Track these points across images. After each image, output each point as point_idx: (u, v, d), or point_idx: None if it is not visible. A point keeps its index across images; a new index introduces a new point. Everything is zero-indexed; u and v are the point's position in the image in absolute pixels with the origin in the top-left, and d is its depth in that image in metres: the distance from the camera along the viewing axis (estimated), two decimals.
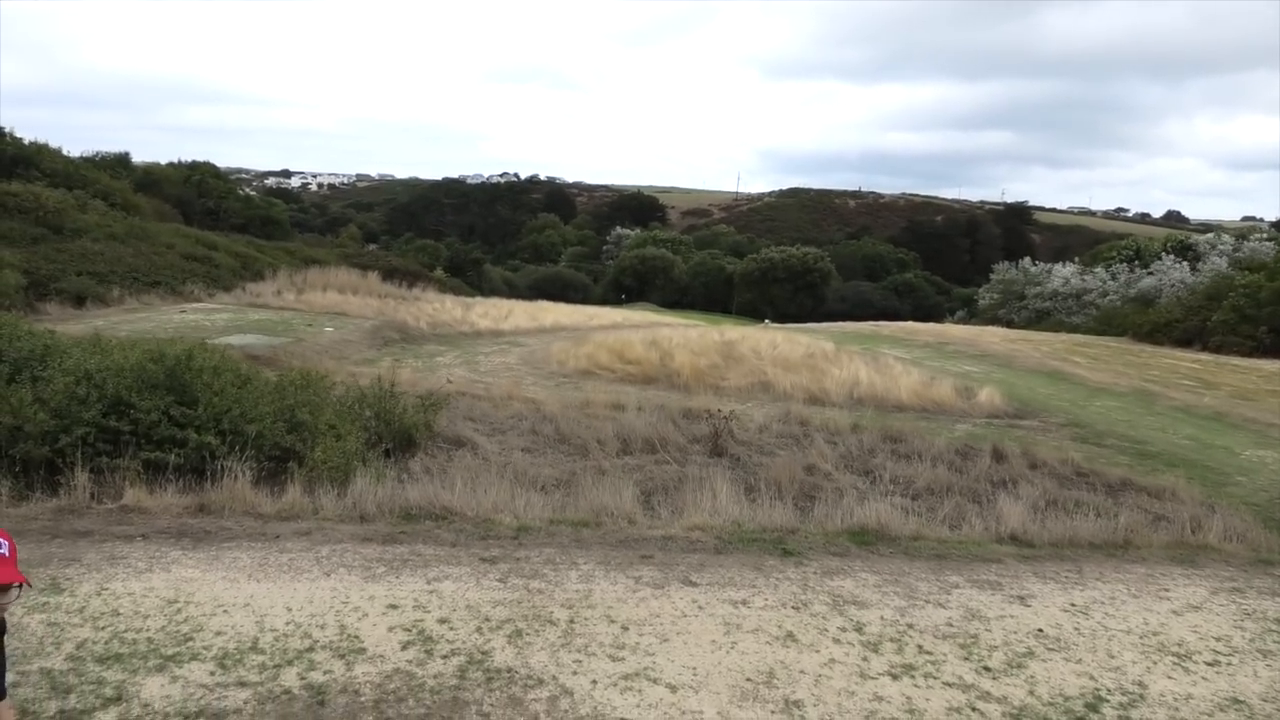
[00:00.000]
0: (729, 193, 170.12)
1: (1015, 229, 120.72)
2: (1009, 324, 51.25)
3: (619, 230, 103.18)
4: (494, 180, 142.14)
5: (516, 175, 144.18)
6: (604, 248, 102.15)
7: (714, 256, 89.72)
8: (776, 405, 16.95)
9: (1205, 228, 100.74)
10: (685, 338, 27.37)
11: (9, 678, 4.50)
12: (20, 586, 2.66)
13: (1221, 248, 48.98)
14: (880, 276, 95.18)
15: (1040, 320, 52.52)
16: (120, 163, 54.67)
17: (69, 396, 8.55)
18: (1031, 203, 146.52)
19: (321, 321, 25.94)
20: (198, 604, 5.63)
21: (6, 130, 39.46)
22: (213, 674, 4.80)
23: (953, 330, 39.25)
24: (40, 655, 4.86)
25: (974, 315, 64.77)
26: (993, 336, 33.38)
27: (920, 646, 5.79)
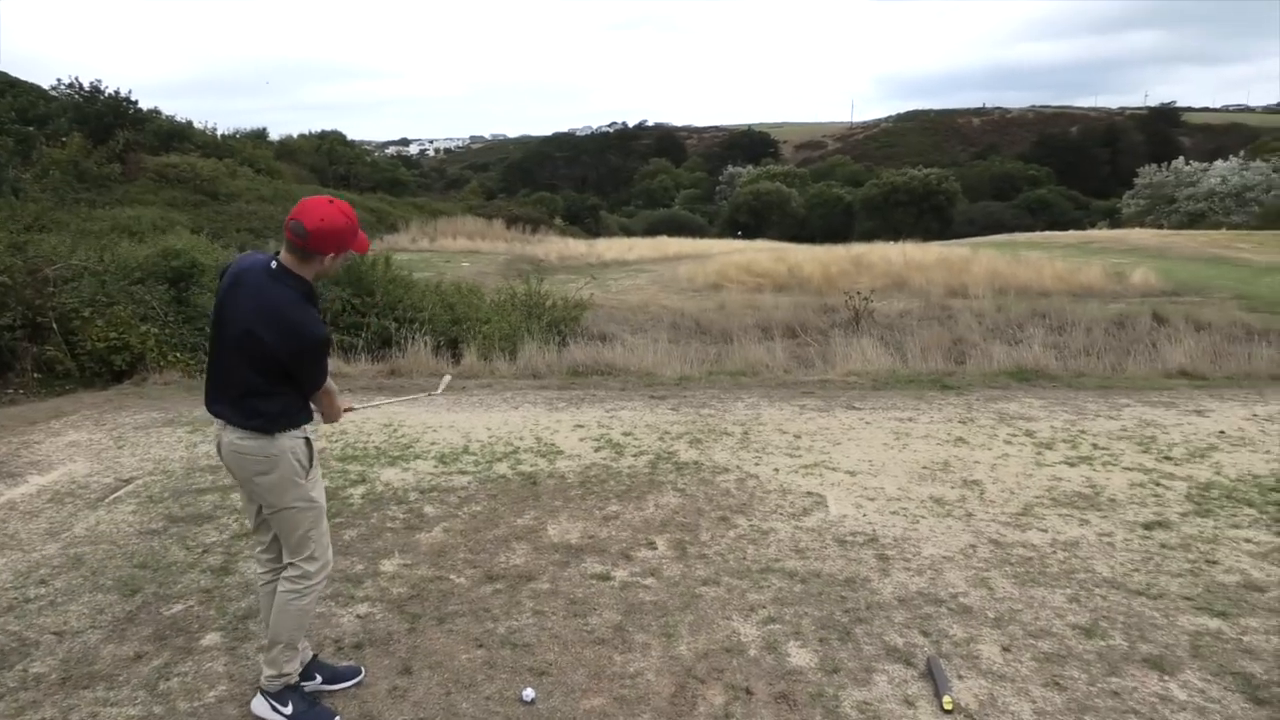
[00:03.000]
0: (843, 122, 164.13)
1: (1161, 134, 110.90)
2: (1158, 229, 47.81)
3: (731, 169, 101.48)
4: (603, 130, 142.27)
5: (625, 124, 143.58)
6: (717, 188, 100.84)
7: (830, 186, 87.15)
8: (914, 299, 16.73)
9: None
10: (812, 253, 27.09)
11: None
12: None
13: None
14: (1010, 195, 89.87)
15: (1194, 223, 48.64)
16: (259, 136, 58.07)
17: None
18: (1180, 104, 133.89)
19: (458, 259, 27.17)
20: (409, 427, 6.30)
21: (160, 112, 42.74)
22: (435, 468, 5.42)
23: (1096, 233, 37.08)
24: None
25: (1117, 226, 60.61)
26: (1142, 234, 31.41)
27: (1095, 444, 5.83)
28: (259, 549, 2.97)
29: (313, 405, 2.86)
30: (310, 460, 2.82)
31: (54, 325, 8.10)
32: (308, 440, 2.83)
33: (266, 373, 2.64)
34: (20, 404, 7.30)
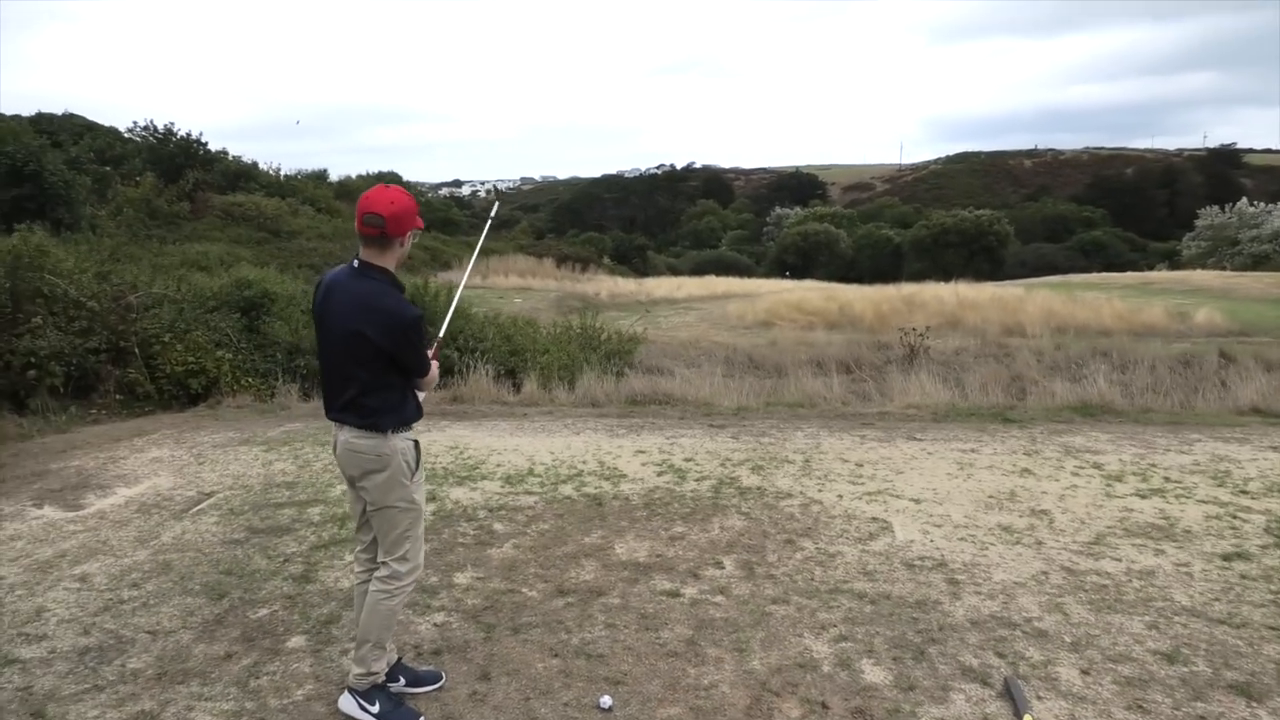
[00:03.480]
0: (891, 164, 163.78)
1: (1222, 175, 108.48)
2: (1221, 271, 46.62)
3: (778, 210, 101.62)
4: (651, 172, 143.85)
5: (673, 165, 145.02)
6: (764, 229, 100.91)
7: (879, 228, 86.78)
8: (970, 337, 16.55)
9: None
10: (862, 293, 27.00)
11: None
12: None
13: None
14: (1064, 237, 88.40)
15: (1258, 265, 47.36)
16: (319, 177, 60.05)
17: None
18: (1240, 145, 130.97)
19: (510, 295, 27.65)
20: (474, 449, 6.43)
21: (228, 153, 44.60)
22: (502, 488, 5.52)
23: (1156, 274, 36.32)
24: None
25: (1177, 268, 59.30)
26: (1205, 275, 30.69)
27: (1167, 478, 5.72)
28: (359, 548, 3.09)
29: (418, 392, 2.96)
30: (417, 463, 2.95)
31: (136, 350, 8.46)
32: (416, 443, 2.96)
33: (373, 367, 2.77)
34: (103, 423, 7.62)
